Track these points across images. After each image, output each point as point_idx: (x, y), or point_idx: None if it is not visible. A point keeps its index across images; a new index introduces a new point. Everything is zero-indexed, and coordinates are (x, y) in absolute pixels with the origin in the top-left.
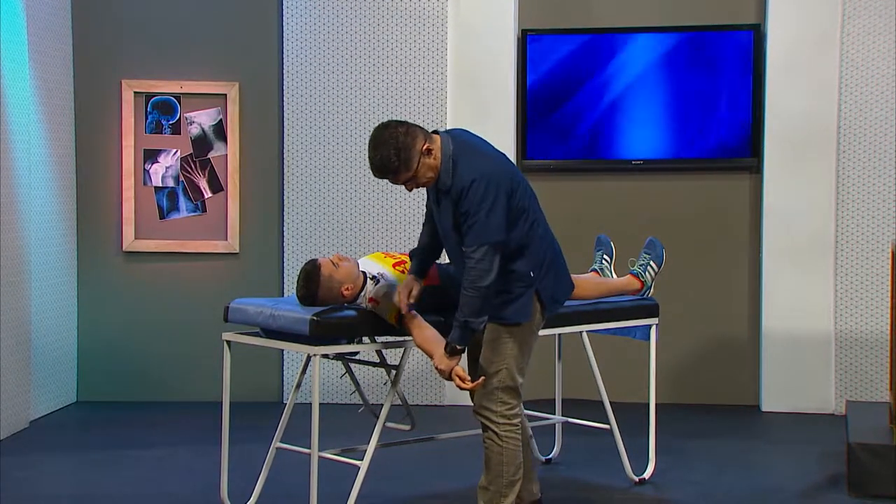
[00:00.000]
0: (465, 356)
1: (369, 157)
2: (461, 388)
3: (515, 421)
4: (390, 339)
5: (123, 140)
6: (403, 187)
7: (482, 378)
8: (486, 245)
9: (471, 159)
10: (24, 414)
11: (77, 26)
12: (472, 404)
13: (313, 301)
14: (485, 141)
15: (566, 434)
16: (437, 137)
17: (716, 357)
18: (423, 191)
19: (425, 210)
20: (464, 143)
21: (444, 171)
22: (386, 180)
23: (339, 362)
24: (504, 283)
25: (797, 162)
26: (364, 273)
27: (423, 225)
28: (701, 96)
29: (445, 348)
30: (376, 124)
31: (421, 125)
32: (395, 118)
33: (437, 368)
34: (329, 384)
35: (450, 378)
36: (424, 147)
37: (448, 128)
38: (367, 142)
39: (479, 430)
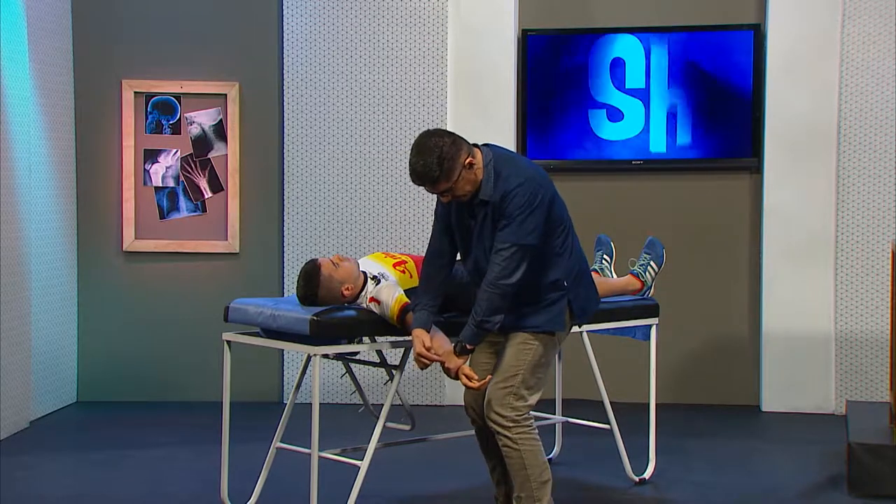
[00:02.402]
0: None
1: (411, 162)
2: (468, 387)
3: (527, 423)
4: (390, 338)
5: (123, 140)
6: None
7: (489, 377)
8: (517, 246)
9: (513, 167)
10: (24, 414)
11: (77, 26)
12: (465, 406)
13: (313, 301)
14: (525, 157)
15: (566, 434)
16: (477, 151)
17: (716, 357)
18: (428, 193)
19: (429, 249)
20: (504, 154)
21: (485, 181)
22: (422, 188)
23: (339, 362)
24: (538, 293)
25: (797, 162)
26: (364, 273)
27: (425, 263)
28: (701, 96)
29: (455, 347)
30: (377, 124)
31: (421, 125)
32: (395, 118)
33: (443, 367)
34: (329, 384)
35: (456, 377)
36: (467, 160)
37: (449, 127)
38: (367, 142)
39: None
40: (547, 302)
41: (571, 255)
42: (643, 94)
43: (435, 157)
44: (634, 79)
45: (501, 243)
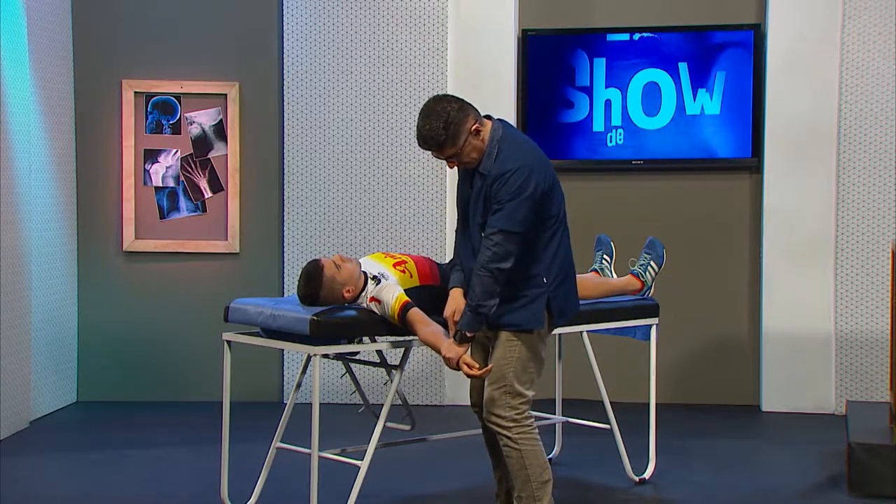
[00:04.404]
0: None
1: (418, 126)
2: (469, 376)
3: (527, 423)
4: (390, 338)
5: (123, 140)
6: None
7: (490, 366)
8: (504, 232)
9: (516, 149)
10: (24, 414)
11: (77, 26)
12: (471, 405)
13: (314, 301)
14: (534, 143)
15: (566, 434)
16: (487, 122)
17: (716, 357)
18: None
19: (457, 215)
20: (513, 134)
21: (487, 155)
22: (429, 153)
23: (339, 362)
24: (518, 288)
25: (797, 162)
26: (365, 273)
27: (456, 232)
28: (701, 96)
29: (455, 335)
30: (377, 124)
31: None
32: (395, 118)
33: (444, 357)
34: (329, 384)
35: (457, 367)
36: (474, 127)
37: None
38: (367, 141)
39: (479, 430)
40: (525, 299)
41: (557, 253)
42: (643, 94)
43: (441, 121)
44: (634, 78)
45: (490, 227)
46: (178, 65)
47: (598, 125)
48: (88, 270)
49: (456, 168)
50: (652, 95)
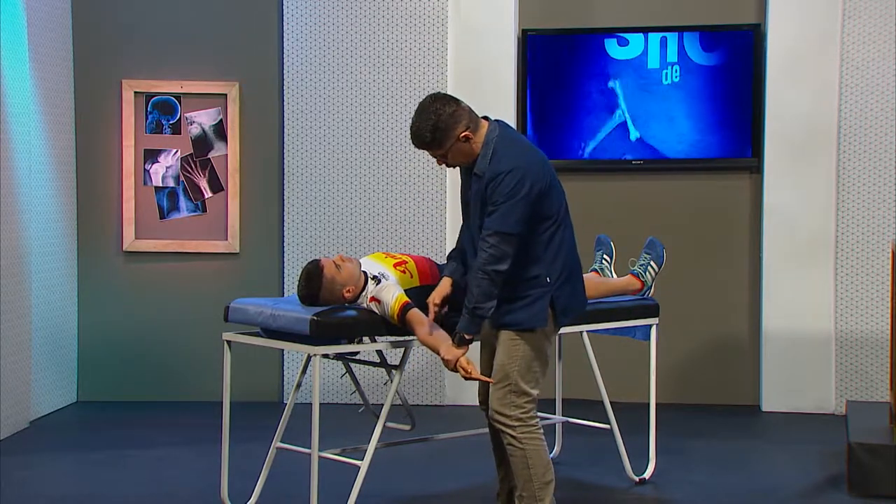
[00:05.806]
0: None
1: (412, 121)
2: (466, 378)
3: (532, 423)
4: (391, 338)
5: (123, 140)
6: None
7: (490, 375)
8: (499, 234)
9: (511, 150)
10: (24, 414)
11: (77, 26)
12: (478, 403)
13: (314, 301)
14: (532, 143)
15: (567, 434)
16: (484, 124)
17: (716, 357)
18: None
19: (462, 214)
20: (510, 135)
21: (481, 157)
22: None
23: (339, 362)
24: (519, 288)
25: (797, 162)
26: (365, 273)
27: (461, 231)
28: (701, 96)
29: (454, 338)
30: (377, 124)
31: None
32: (395, 118)
33: (443, 359)
34: (329, 384)
35: (455, 369)
36: (463, 134)
37: None
38: (367, 141)
39: (479, 430)
40: (528, 298)
41: (560, 252)
42: (643, 94)
43: (430, 123)
44: (634, 78)
45: (486, 230)
46: (178, 65)
47: None
48: (88, 270)
49: (458, 168)
50: (648, 94)
